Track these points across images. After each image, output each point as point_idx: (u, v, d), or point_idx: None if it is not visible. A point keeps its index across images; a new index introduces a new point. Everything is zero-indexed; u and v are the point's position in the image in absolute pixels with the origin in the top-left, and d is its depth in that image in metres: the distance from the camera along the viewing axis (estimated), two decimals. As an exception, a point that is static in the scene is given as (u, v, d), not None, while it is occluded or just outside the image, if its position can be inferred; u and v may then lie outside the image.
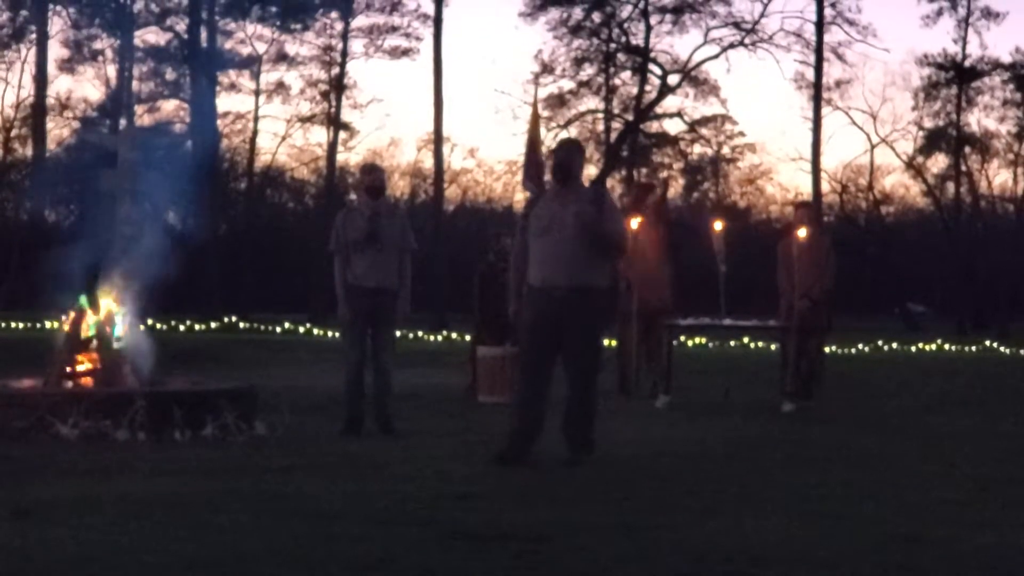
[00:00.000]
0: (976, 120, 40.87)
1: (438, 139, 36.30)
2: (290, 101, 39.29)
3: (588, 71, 39.36)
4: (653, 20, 38.40)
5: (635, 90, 39.30)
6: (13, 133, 39.14)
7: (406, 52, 38.03)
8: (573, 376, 7.00)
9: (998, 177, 43.79)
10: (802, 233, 11.10)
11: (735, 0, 38.43)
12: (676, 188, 41.67)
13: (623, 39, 39.33)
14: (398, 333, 9.23)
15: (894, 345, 25.06)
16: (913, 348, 24.95)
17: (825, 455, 7.60)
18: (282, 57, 38.59)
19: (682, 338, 18.62)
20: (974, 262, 39.46)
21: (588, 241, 6.89)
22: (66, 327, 8.60)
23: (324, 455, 7.21)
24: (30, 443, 7.40)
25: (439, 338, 23.09)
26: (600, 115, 40.05)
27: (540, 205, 7.23)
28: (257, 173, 41.67)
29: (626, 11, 38.85)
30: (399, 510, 5.32)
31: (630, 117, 39.14)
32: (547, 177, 9.45)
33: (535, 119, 13.02)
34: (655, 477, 6.53)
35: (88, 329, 8.46)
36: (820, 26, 37.50)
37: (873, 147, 41.15)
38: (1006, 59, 39.45)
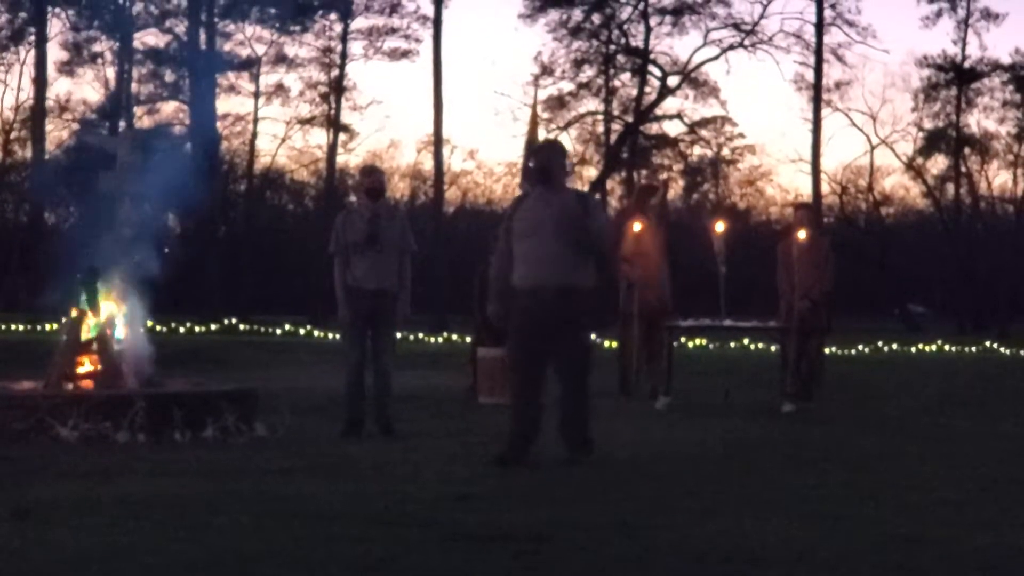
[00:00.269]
0: (976, 121, 40.99)
1: (438, 141, 36.33)
2: (290, 103, 39.40)
3: (588, 73, 39.46)
4: (653, 22, 38.48)
5: (635, 92, 39.35)
6: (12, 135, 39.25)
7: (406, 54, 38.12)
8: (564, 377, 6.99)
9: (998, 178, 43.91)
10: (802, 234, 11.11)
11: (735, 1, 38.61)
12: (676, 190, 41.71)
13: (623, 41, 39.38)
14: (398, 335, 9.23)
15: (894, 346, 25.07)
16: (913, 349, 24.97)
17: (825, 456, 7.60)
18: (281, 59, 38.67)
19: (682, 339, 18.63)
20: (974, 263, 39.49)
21: (572, 241, 6.87)
22: (66, 329, 8.60)
23: (324, 456, 7.21)
24: (30, 444, 7.40)
25: (439, 340, 23.10)
26: (600, 117, 40.10)
27: (523, 207, 7.24)
28: (257, 175, 41.71)
29: (626, 13, 38.93)
30: (399, 511, 5.32)
31: (630, 119, 39.17)
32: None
33: (534, 121, 13.04)
34: (655, 478, 6.53)
35: (88, 331, 8.46)
36: (820, 27, 37.56)
37: (873, 148, 41.25)
38: (1006, 60, 39.59)
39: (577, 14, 38.67)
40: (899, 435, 8.99)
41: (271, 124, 41.42)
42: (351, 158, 40.38)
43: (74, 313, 8.51)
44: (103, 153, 9.64)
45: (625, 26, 39.09)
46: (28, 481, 6.06)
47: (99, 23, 37.09)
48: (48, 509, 5.21)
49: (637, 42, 38.98)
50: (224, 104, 38.65)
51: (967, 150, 40.63)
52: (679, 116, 39.86)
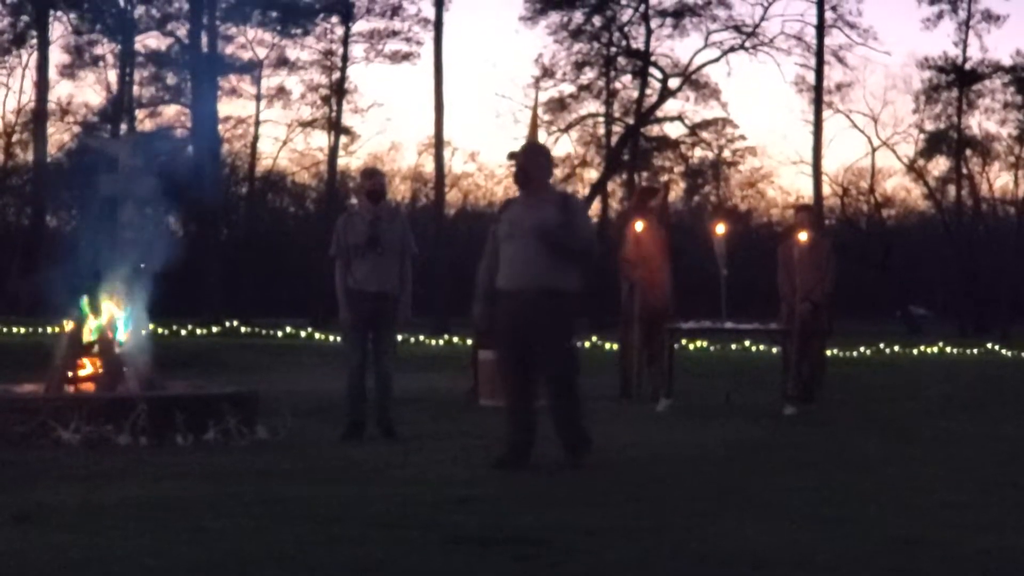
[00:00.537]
0: (977, 123, 40.97)
1: (439, 143, 36.34)
2: (291, 106, 39.47)
3: (589, 75, 39.50)
4: (653, 24, 38.51)
5: (636, 94, 39.38)
6: (14, 138, 39.26)
7: (407, 56, 38.17)
8: (550, 380, 6.93)
9: (999, 180, 44.04)
10: (803, 236, 11.11)
11: (736, 3, 38.60)
12: (677, 192, 41.71)
13: (624, 43, 39.40)
14: (399, 337, 9.23)
15: (895, 348, 25.07)
16: (915, 351, 24.95)
17: (826, 458, 7.60)
18: (283, 62, 38.72)
19: (683, 341, 18.63)
20: (975, 265, 39.48)
21: (553, 244, 6.82)
22: (67, 332, 8.61)
23: (326, 459, 7.21)
24: (32, 448, 7.40)
25: (440, 342, 23.10)
26: (601, 119, 40.13)
27: (509, 210, 7.24)
28: (258, 178, 41.75)
29: (626, 15, 38.96)
30: (400, 513, 5.32)
31: (631, 121, 39.18)
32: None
33: (534, 123, 13.05)
34: (656, 480, 6.53)
35: (89, 334, 8.47)
36: (821, 29, 37.58)
37: (874, 150, 41.27)
38: (1007, 62, 39.62)
39: (578, 16, 38.73)
40: (901, 437, 8.98)
41: (272, 127, 41.40)
42: (352, 160, 40.47)
43: (75, 316, 8.51)
44: (105, 156, 9.65)
45: (626, 28, 39.15)
46: (30, 484, 6.06)
47: (101, 26, 37.14)
48: (50, 512, 5.21)
49: (638, 44, 39.04)
50: (225, 107, 38.76)
51: (968, 152, 40.63)
52: (680, 118, 39.92)
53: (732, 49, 38.06)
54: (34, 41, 36.40)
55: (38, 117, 35.45)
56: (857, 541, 4.87)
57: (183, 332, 23.53)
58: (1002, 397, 13.36)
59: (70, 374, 8.37)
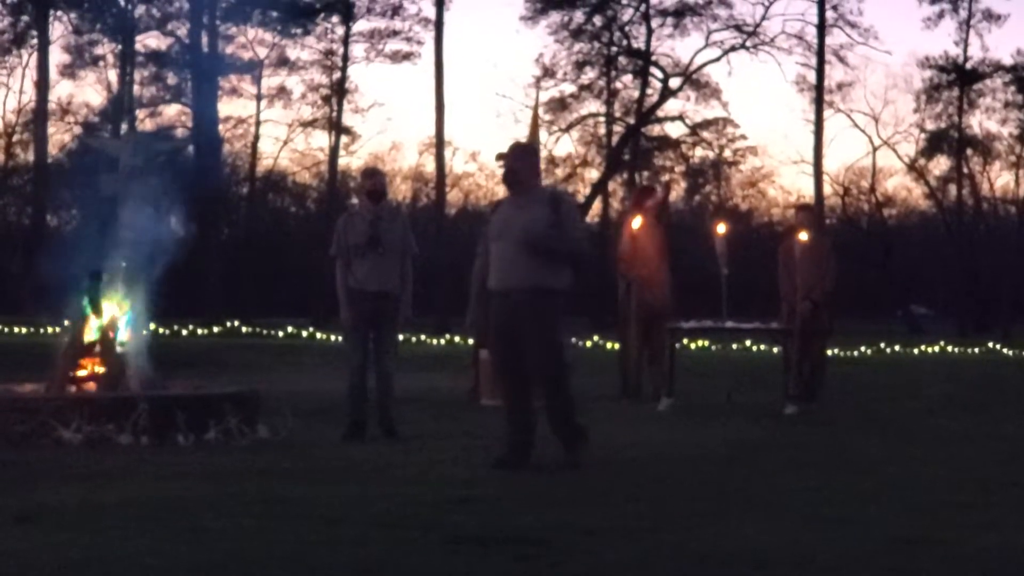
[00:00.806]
0: (978, 122, 40.94)
1: (440, 143, 36.35)
2: (291, 106, 39.46)
3: (589, 75, 39.50)
4: (654, 23, 38.49)
5: (636, 93, 39.37)
6: (15, 138, 39.27)
7: (407, 56, 38.17)
8: (541, 379, 6.88)
9: (1000, 179, 43.90)
10: (803, 236, 11.11)
11: (736, 3, 38.59)
12: (678, 191, 41.70)
13: (624, 42, 39.39)
14: (400, 337, 9.24)
15: (897, 347, 25.06)
16: (916, 350, 24.94)
17: (827, 458, 7.60)
18: (283, 62, 38.73)
19: (684, 341, 18.63)
20: (976, 264, 39.48)
21: (542, 243, 6.80)
22: (68, 332, 8.61)
23: (326, 459, 7.21)
24: (33, 448, 7.41)
25: (441, 342, 23.11)
26: (601, 119, 40.12)
27: (499, 211, 7.23)
28: (259, 177, 41.75)
29: (627, 14, 38.96)
30: (401, 513, 5.32)
31: (631, 120, 39.17)
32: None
33: (535, 123, 13.05)
34: (657, 480, 6.53)
35: (91, 334, 8.47)
36: (821, 29, 37.58)
37: (875, 149, 41.28)
38: (1007, 61, 39.60)
39: (578, 16, 38.72)
40: (902, 437, 8.98)
41: (273, 127, 41.41)
42: (353, 160, 40.46)
43: (77, 316, 8.51)
44: (105, 156, 9.65)
45: (627, 28, 39.14)
46: (31, 484, 6.06)
47: (101, 26, 37.14)
48: (51, 512, 5.21)
49: (639, 44, 39.03)
50: (226, 107, 38.77)
51: (969, 151, 40.61)
52: (681, 118, 39.90)
53: (733, 48, 38.09)
54: (34, 41, 36.42)
55: (39, 117, 35.47)
56: (858, 541, 4.87)
57: (184, 332, 23.54)
58: (1003, 396, 13.35)
59: (71, 374, 8.37)
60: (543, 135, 35.19)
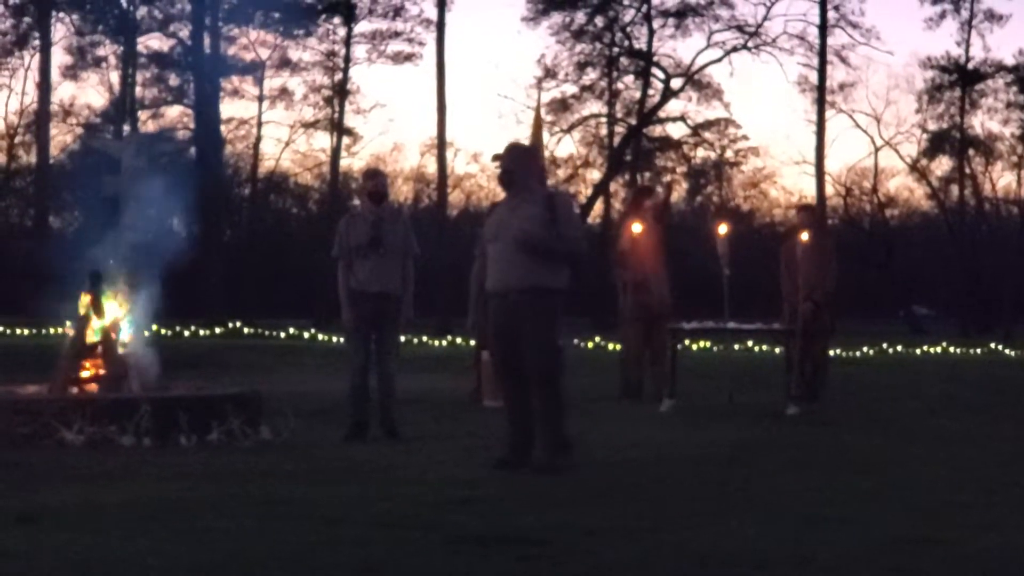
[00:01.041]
0: (980, 123, 40.90)
1: (441, 144, 36.34)
2: (293, 107, 39.47)
3: (591, 75, 39.47)
4: (656, 24, 38.47)
5: (638, 94, 39.34)
6: (17, 140, 39.29)
7: (409, 57, 38.17)
8: (534, 380, 6.85)
9: (1002, 179, 43.91)
10: (805, 236, 11.12)
11: (738, 3, 38.55)
12: (680, 192, 41.66)
13: (626, 43, 39.38)
14: (402, 338, 9.24)
15: (899, 348, 25.04)
16: (918, 351, 24.93)
17: (829, 458, 7.60)
18: (285, 63, 38.72)
19: (686, 341, 18.62)
20: (978, 264, 39.45)
21: (537, 244, 6.78)
22: (71, 333, 8.62)
23: (328, 459, 7.22)
24: (35, 449, 7.42)
25: (443, 343, 23.11)
26: (603, 119, 40.10)
27: (494, 212, 7.23)
28: (261, 179, 41.78)
29: (629, 15, 38.94)
30: (403, 513, 5.32)
31: (633, 121, 39.15)
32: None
33: (538, 123, 13.03)
34: (658, 480, 6.53)
35: (93, 335, 8.48)
36: (823, 29, 37.56)
37: (877, 150, 41.25)
38: (1009, 61, 39.55)
39: (580, 17, 38.70)
40: (903, 437, 8.98)
41: (275, 128, 41.57)
42: (354, 161, 40.46)
43: (79, 317, 8.52)
44: (107, 157, 9.67)
45: (628, 28, 39.11)
46: (33, 485, 6.07)
47: (103, 27, 37.16)
48: (54, 513, 5.22)
49: (640, 44, 39.01)
50: (228, 108, 38.85)
51: (971, 152, 40.58)
52: (682, 118, 39.86)
53: (735, 49, 38.06)
54: (36, 42, 36.42)
55: (41, 118, 35.46)
56: (859, 541, 4.88)
57: (186, 333, 23.56)
58: (1005, 397, 13.35)
59: (74, 375, 8.38)
60: (545, 136, 35.17)
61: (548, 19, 38.55)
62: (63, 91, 49.19)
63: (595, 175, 40.17)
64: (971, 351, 25.31)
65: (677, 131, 40.89)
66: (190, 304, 26.54)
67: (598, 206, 39.85)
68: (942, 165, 41.62)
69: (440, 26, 35.63)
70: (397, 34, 38.00)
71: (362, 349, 8.55)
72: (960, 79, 39.31)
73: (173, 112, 37.86)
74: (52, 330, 17.74)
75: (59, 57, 37.84)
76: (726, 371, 12.87)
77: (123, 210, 8.79)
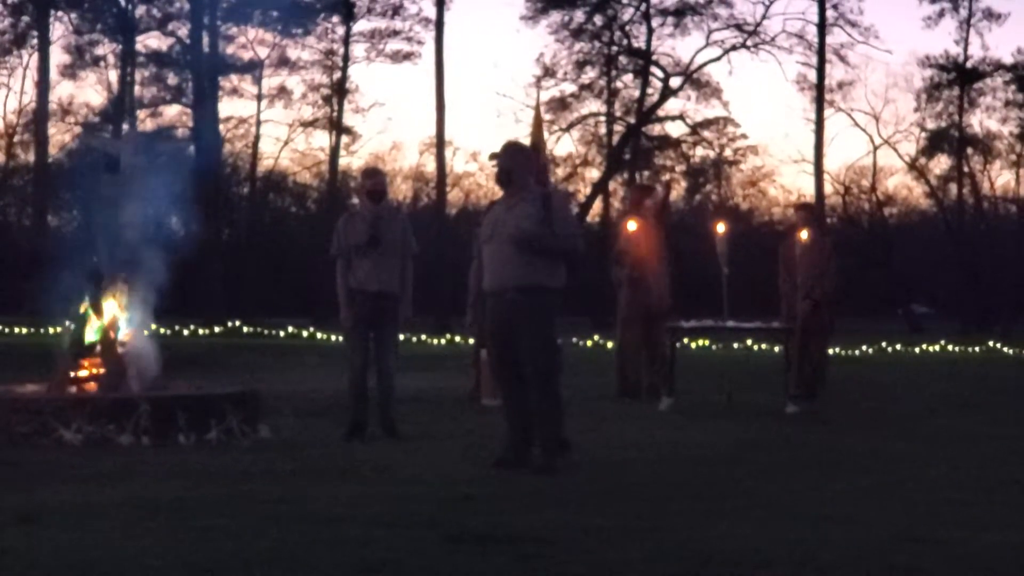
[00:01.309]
0: (978, 121, 40.94)
1: (440, 143, 36.35)
2: (292, 106, 39.46)
3: (590, 74, 39.49)
4: (655, 23, 38.49)
5: (637, 93, 39.37)
6: (15, 139, 39.27)
7: (408, 56, 38.17)
8: (531, 378, 6.83)
9: (1000, 178, 43.88)
10: (803, 235, 11.12)
11: (737, 2, 38.60)
12: (679, 191, 41.67)
13: (625, 42, 39.39)
14: (401, 337, 9.24)
15: (898, 346, 25.06)
16: (917, 349, 24.95)
17: (829, 457, 7.60)
18: (284, 62, 38.72)
19: (685, 340, 18.62)
20: (977, 263, 39.46)
21: (533, 243, 6.78)
22: (69, 332, 8.61)
23: (328, 458, 7.21)
24: (34, 448, 7.41)
25: (442, 341, 23.11)
26: (602, 118, 40.11)
27: (491, 212, 7.22)
28: (259, 177, 41.77)
29: (628, 14, 38.95)
30: (402, 513, 5.32)
31: (632, 120, 39.17)
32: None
33: (538, 122, 13.01)
34: (658, 480, 6.53)
35: (92, 334, 8.47)
36: (822, 28, 37.57)
37: (876, 148, 41.27)
38: (1008, 60, 39.56)
39: (579, 16, 38.72)
40: (903, 436, 8.98)
41: (274, 127, 41.58)
42: (353, 160, 40.46)
43: (78, 316, 8.51)
44: (106, 156, 9.65)
45: (627, 27, 39.13)
46: (33, 485, 6.06)
47: (102, 26, 37.15)
48: (53, 513, 5.22)
49: (639, 43, 39.03)
50: (227, 107, 38.87)
51: (970, 150, 40.59)
52: (681, 117, 39.89)
53: (733, 48, 38.08)
54: (35, 41, 36.42)
55: (39, 117, 35.46)
56: (859, 540, 4.87)
57: (185, 332, 23.55)
58: (1004, 395, 13.36)
59: (73, 374, 8.37)
60: (544, 135, 35.16)
61: (547, 18, 38.60)
62: (62, 90, 49.25)
63: (594, 174, 40.22)
64: (970, 349, 25.33)
65: (676, 130, 40.97)
66: (189, 303, 26.54)
67: (597, 205, 39.89)
68: (941, 164, 41.68)
69: (439, 25, 35.67)
70: (396, 33, 38.03)
71: (361, 348, 8.54)
72: (959, 78, 39.32)
73: (172, 111, 37.90)
74: (51, 329, 17.72)
75: (58, 56, 38.03)
76: (725, 370, 12.87)
77: (121, 209, 8.78)
